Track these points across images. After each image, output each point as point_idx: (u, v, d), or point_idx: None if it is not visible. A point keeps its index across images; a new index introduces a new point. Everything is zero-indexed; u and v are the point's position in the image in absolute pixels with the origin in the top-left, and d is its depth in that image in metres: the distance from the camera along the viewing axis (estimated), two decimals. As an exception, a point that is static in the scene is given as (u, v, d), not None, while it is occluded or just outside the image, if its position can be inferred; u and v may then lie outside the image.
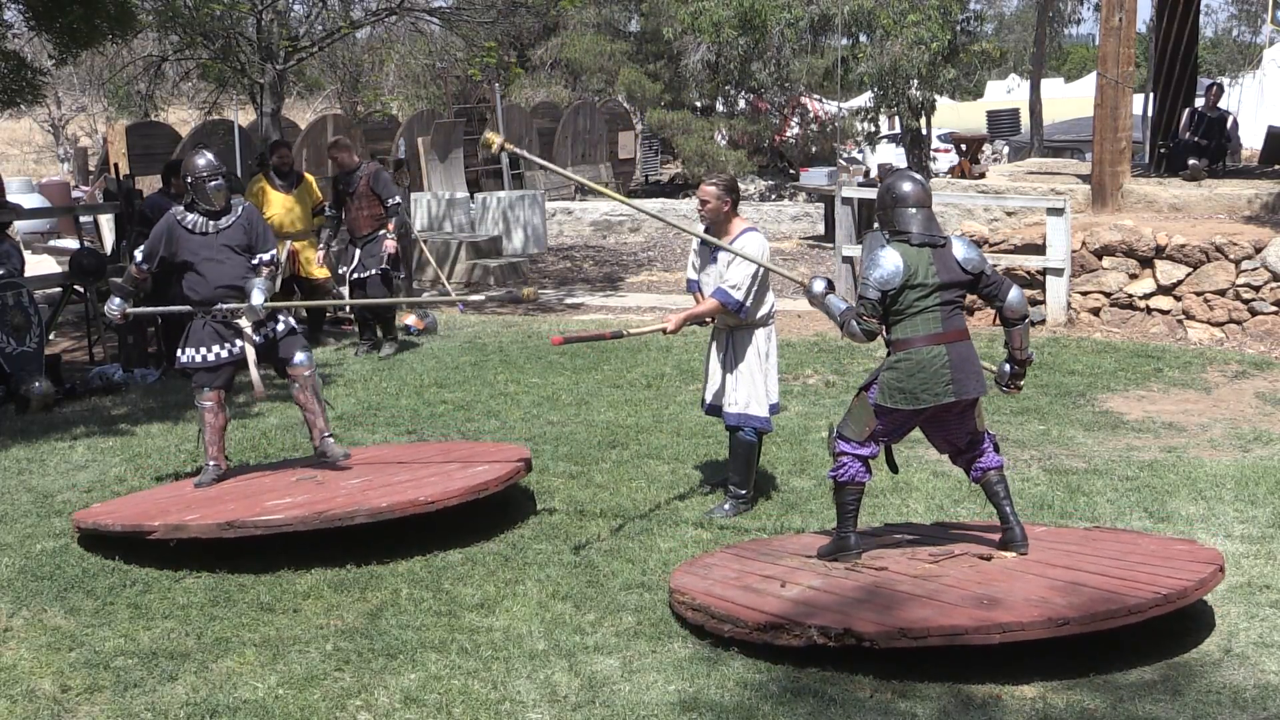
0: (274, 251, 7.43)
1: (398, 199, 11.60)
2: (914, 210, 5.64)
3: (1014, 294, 5.76)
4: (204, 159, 7.28)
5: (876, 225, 6.68)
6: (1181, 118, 14.72)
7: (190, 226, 7.25)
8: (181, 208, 7.37)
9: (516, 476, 6.85)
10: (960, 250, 5.65)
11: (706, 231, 6.89)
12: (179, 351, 7.36)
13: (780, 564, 5.76)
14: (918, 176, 5.84)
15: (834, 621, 4.94)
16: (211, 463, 7.24)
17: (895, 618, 4.93)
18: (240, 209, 7.35)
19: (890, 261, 5.55)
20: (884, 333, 5.67)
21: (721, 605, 5.26)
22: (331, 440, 7.26)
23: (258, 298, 7.14)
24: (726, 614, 5.19)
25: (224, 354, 7.23)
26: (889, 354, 5.66)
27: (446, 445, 7.96)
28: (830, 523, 6.68)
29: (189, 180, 7.26)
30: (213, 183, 7.21)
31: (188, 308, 7.28)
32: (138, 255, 7.44)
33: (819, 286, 6.09)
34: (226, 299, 7.19)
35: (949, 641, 4.77)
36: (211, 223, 7.25)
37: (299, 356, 7.27)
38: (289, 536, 6.25)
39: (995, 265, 12.38)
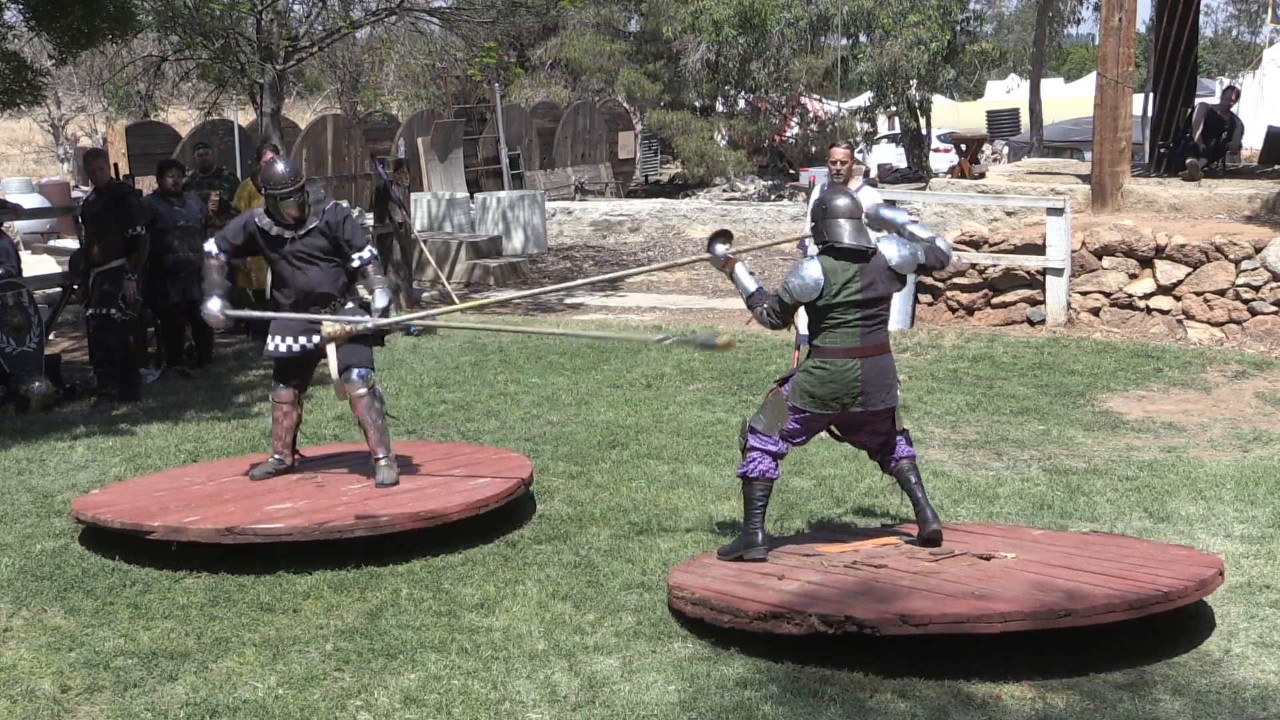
0: (370, 249, 7.03)
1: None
2: (843, 221, 5.83)
3: (942, 244, 6.00)
4: (283, 167, 6.93)
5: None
6: (1192, 114, 14.70)
7: (267, 230, 6.94)
8: (262, 210, 7.03)
9: (517, 492, 6.81)
10: (893, 253, 5.82)
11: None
12: (267, 340, 7.15)
13: (779, 562, 5.77)
14: (848, 190, 6.17)
15: (834, 610, 4.96)
16: (275, 456, 7.15)
17: (896, 607, 4.97)
18: (324, 211, 6.96)
19: (811, 274, 5.75)
20: (796, 329, 5.86)
21: (721, 598, 5.28)
22: (383, 463, 6.92)
23: (381, 299, 6.86)
24: (726, 605, 5.21)
25: (306, 345, 6.96)
26: (809, 355, 5.84)
27: (449, 447, 7.93)
28: (829, 521, 6.70)
29: (265, 191, 6.98)
30: (286, 200, 6.86)
31: (283, 314, 7.01)
32: (209, 246, 7.09)
33: (720, 249, 6.12)
34: (310, 306, 6.92)
35: (951, 630, 4.78)
36: (288, 231, 6.93)
37: (354, 372, 6.88)
38: (289, 536, 6.25)
39: (997, 264, 12.50)
